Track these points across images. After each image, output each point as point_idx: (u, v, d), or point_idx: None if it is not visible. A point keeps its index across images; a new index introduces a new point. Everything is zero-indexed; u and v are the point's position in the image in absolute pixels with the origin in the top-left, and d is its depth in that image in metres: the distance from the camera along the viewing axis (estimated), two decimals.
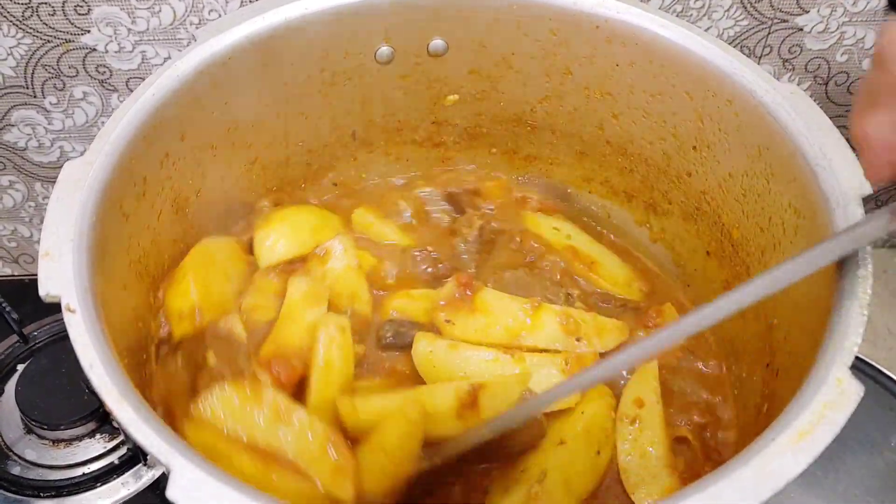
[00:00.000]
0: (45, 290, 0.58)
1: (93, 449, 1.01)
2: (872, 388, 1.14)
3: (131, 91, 0.80)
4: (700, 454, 0.79)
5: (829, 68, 1.13)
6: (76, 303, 0.57)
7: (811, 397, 0.52)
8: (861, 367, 1.14)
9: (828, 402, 0.52)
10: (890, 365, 1.15)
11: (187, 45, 0.83)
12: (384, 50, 0.89)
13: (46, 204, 1.17)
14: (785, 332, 0.72)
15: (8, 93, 1.06)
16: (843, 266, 0.61)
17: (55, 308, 0.56)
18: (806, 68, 1.13)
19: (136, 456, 1.00)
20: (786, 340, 0.71)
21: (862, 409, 1.09)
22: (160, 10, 0.99)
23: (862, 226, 0.60)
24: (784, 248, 0.74)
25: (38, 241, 1.25)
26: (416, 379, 0.81)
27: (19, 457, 1.00)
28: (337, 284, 0.86)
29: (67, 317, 0.56)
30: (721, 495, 0.47)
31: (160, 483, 1.00)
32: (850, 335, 0.55)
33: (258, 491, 0.48)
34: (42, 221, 1.21)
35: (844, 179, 0.66)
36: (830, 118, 1.22)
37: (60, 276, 0.58)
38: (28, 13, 0.98)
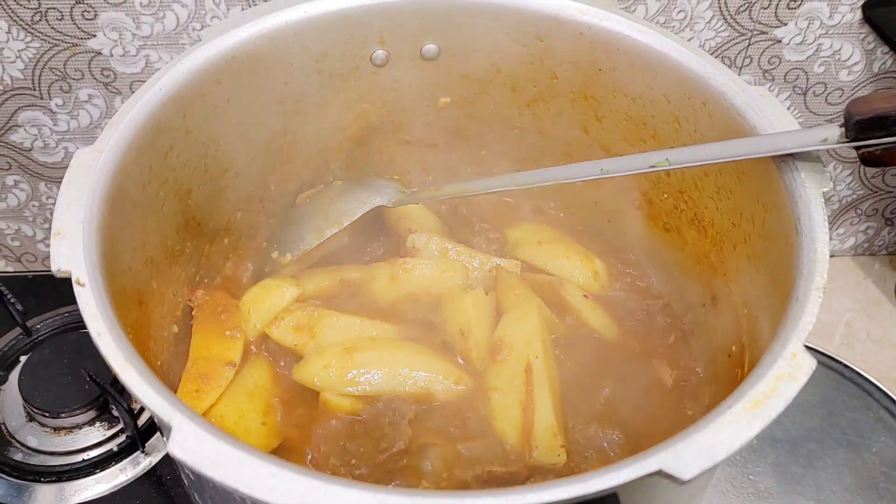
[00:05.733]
0: (57, 265, 0.61)
1: (92, 436, 1.04)
2: (852, 390, 1.17)
3: None
4: None
5: (808, 79, 1.16)
6: (86, 277, 0.60)
7: (767, 370, 0.56)
8: (840, 371, 1.18)
9: (782, 375, 0.55)
10: (869, 368, 1.19)
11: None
12: (379, 53, 0.93)
13: (50, 204, 1.20)
14: (754, 321, 0.76)
15: (15, 94, 1.08)
16: (802, 252, 0.64)
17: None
18: (785, 78, 1.16)
19: (134, 443, 1.03)
20: (754, 327, 0.74)
21: (842, 410, 1.13)
22: (164, 16, 1.02)
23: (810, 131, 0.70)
24: (754, 242, 0.77)
25: (41, 241, 1.27)
26: None
27: (21, 443, 1.03)
28: None
29: (77, 290, 0.59)
30: (679, 455, 0.50)
31: (157, 470, 1.03)
32: (806, 314, 0.59)
33: (251, 447, 0.51)
34: (45, 221, 1.24)
35: (807, 176, 0.70)
36: (809, 127, 1.25)
37: (71, 252, 0.61)
38: (37, 17, 1.01)
